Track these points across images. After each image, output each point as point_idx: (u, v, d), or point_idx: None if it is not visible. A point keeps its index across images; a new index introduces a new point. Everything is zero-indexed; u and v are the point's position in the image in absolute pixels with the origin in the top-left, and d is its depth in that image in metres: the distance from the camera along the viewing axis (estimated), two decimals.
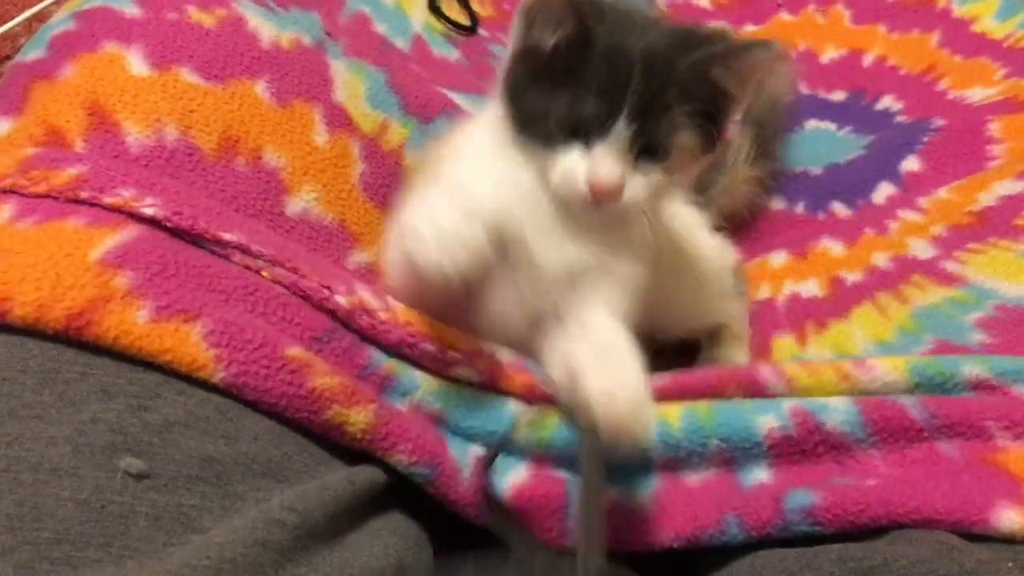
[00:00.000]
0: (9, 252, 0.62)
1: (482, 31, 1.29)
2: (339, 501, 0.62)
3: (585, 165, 0.68)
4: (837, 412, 0.67)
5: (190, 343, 0.62)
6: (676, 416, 0.70)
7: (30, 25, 1.48)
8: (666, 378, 0.74)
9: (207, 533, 0.55)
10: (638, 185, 0.69)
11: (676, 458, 0.69)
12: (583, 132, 0.68)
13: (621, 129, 0.67)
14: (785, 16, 1.43)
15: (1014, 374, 0.68)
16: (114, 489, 0.55)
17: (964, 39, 1.32)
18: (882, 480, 0.63)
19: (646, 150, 0.68)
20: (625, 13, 0.71)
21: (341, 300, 0.69)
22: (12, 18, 1.46)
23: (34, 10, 1.47)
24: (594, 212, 0.70)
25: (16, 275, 0.60)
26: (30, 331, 0.60)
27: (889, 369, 0.69)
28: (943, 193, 1.06)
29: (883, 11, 1.40)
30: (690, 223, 0.95)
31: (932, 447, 0.65)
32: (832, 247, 1.05)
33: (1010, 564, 0.56)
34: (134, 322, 0.61)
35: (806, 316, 0.98)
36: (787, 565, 0.61)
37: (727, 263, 0.98)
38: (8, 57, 1.47)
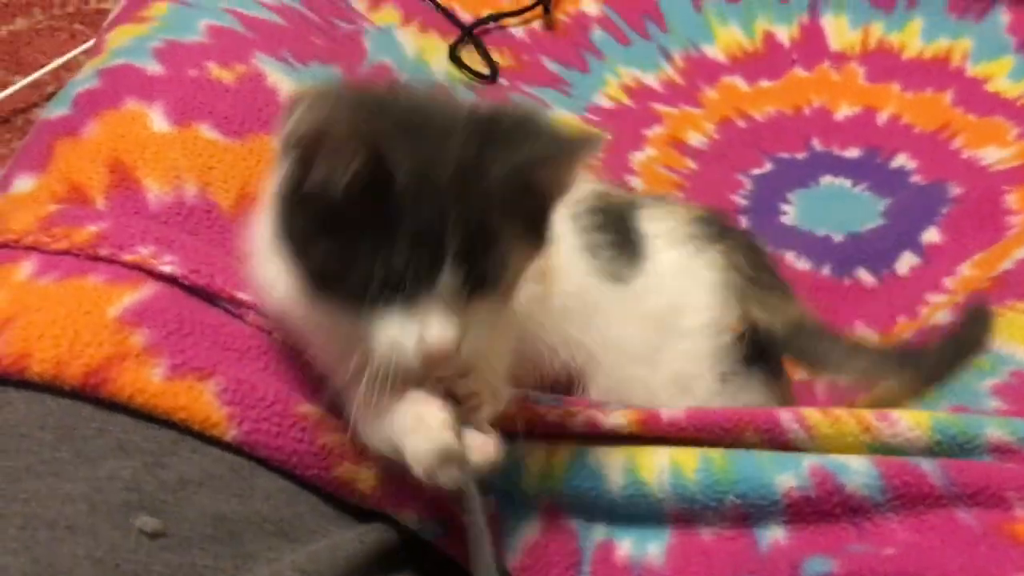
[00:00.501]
0: (29, 308, 0.63)
1: (502, 80, 1.31)
2: (349, 561, 0.63)
3: (412, 330, 0.56)
4: (858, 474, 0.66)
5: (204, 401, 0.63)
6: (691, 466, 0.69)
7: (58, 74, 1.51)
8: (681, 414, 0.71)
9: None
10: (477, 334, 0.58)
11: (691, 511, 0.68)
12: (400, 287, 0.56)
13: (447, 277, 0.55)
14: (800, 72, 1.44)
15: None
16: (129, 548, 0.55)
17: (978, 98, 1.33)
18: (899, 549, 0.63)
19: (477, 285, 0.57)
20: (419, 114, 0.59)
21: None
22: (42, 66, 1.49)
23: (62, 60, 1.51)
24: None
25: (36, 331, 0.61)
26: (48, 387, 0.61)
27: (912, 424, 0.69)
28: (966, 270, 1.06)
29: (898, 69, 1.41)
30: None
31: (951, 514, 0.65)
32: (866, 333, 1.03)
33: None
34: (149, 380, 0.62)
35: None
36: None
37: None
38: (35, 105, 1.50)
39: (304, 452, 0.65)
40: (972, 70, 1.37)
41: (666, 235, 0.83)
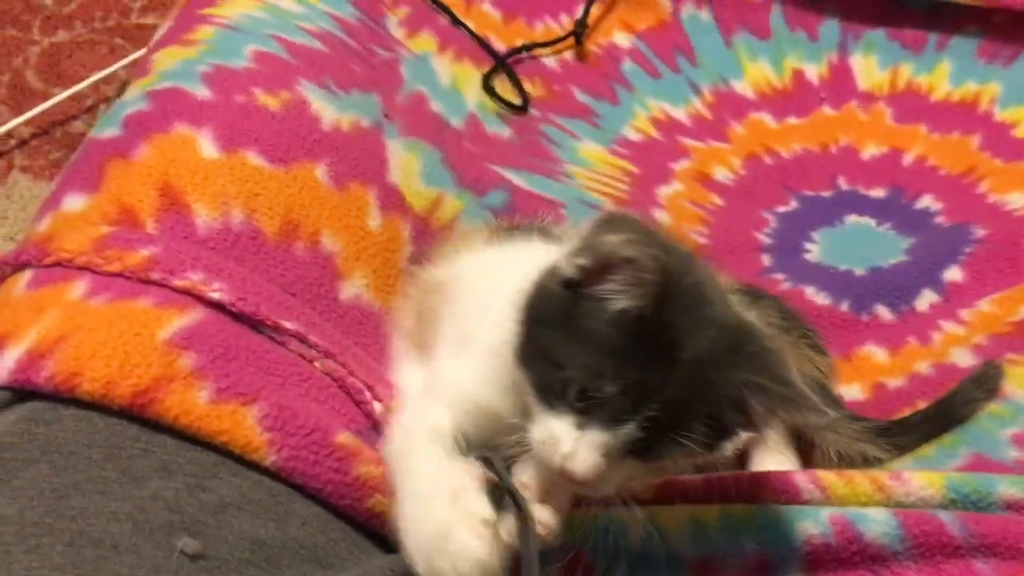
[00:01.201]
0: (81, 328, 0.65)
1: (533, 111, 1.32)
2: None
3: (570, 443, 0.60)
4: (877, 524, 0.67)
5: (246, 426, 0.65)
6: (713, 517, 0.71)
7: (97, 87, 1.54)
8: (698, 480, 0.75)
9: None
10: (614, 477, 0.62)
11: (711, 558, 0.69)
12: (586, 404, 0.60)
13: (630, 430, 0.60)
14: (828, 110, 1.45)
15: None
16: (170, 569, 0.57)
17: (1005, 143, 1.33)
18: None
19: (639, 450, 0.61)
20: (698, 297, 0.62)
21: (377, 407, 0.73)
22: (82, 79, 1.52)
23: (102, 74, 1.54)
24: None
25: (87, 351, 0.63)
26: (96, 406, 0.63)
27: (925, 484, 0.70)
28: (985, 306, 1.07)
29: (924, 112, 1.42)
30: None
31: (968, 564, 0.66)
32: (876, 352, 1.06)
33: None
34: (195, 402, 0.64)
35: None
36: None
37: None
38: (74, 117, 1.53)
39: (339, 482, 0.67)
40: (1000, 115, 1.38)
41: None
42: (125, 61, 1.55)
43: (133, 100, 0.86)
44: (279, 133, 0.85)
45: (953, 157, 1.34)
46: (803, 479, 0.73)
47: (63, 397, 0.63)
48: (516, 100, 1.31)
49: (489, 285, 0.72)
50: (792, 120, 1.45)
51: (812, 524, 0.68)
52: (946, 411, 0.90)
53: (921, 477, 0.71)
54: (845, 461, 0.89)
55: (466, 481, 0.63)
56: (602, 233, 0.61)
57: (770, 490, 0.73)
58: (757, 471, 0.79)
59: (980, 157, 1.33)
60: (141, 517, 0.58)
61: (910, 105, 1.43)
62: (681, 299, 0.61)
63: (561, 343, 0.62)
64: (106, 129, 0.83)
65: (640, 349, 0.60)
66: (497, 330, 0.67)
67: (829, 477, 0.73)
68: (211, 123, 0.82)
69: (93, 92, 1.56)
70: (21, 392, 0.64)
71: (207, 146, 0.80)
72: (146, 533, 0.58)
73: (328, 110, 0.92)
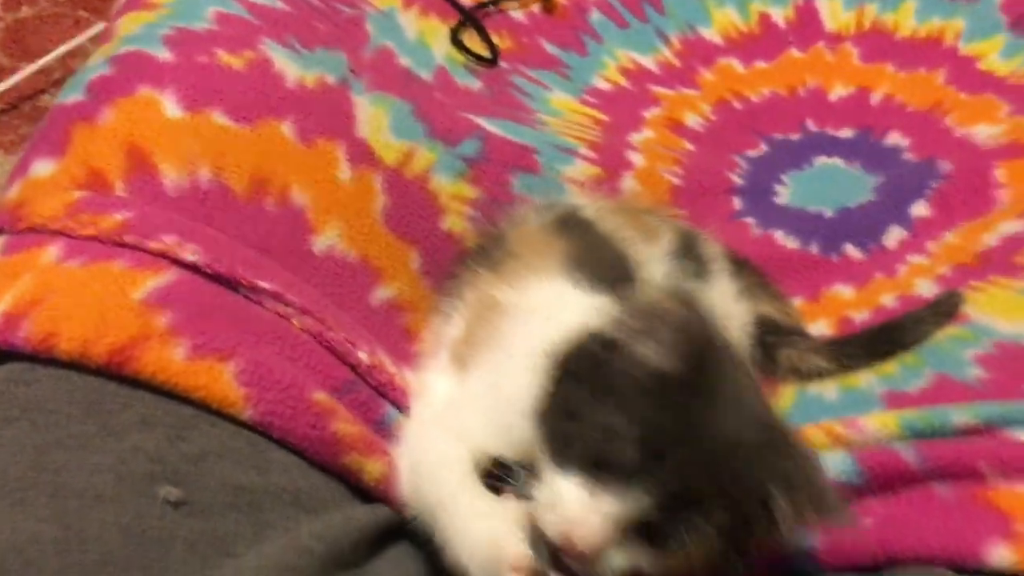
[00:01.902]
0: (57, 290, 0.66)
1: (503, 63, 1.32)
2: (362, 531, 0.66)
3: (577, 508, 0.57)
4: (834, 464, 0.69)
5: (223, 381, 0.66)
6: None
7: (64, 60, 1.54)
8: None
9: (240, 558, 0.59)
10: (616, 560, 0.58)
11: None
12: (596, 466, 0.57)
13: (644, 503, 0.56)
14: (795, 53, 1.46)
15: (1001, 419, 0.71)
16: (154, 515, 0.58)
17: (970, 76, 1.35)
18: (878, 520, 0.66)
19: (652, 533, 0.57)
20: (735, 375, 0.61)
21: (363, 356, 0.74)
22: (47, 53, 1.51)
23: (68, 46, 1.53)
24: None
25: (63, 312, 0.64)
26: (75, 365, 0.64)
27: (880, 427, 0.72)
28: (949, 237, 1.08)
29: (891, 49, 1.43)
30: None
31: (927, 489, 0.68)
32: (843, 291, 1.07)
33: None
34: (171, 359, 0.65)
35: None
36: None
37: None
38: (42, 91, 1.53)
39: (315, 438, 0.68)
40: (965, 49, 1.39)
41: (719, 259, 0.93)
42: (90, 33, 1.55)
43: (96, 66, 0.86)
44: (243, 92, 0.86)
45: (920, 93, 1.36)
46: None
47: (41, 358, 0.64)
48: (485, 53, 1.31)
49: (542, 330, 0.67)
50: (760, 64, 1.46)
51: None
52: (895, 330, 0.92)
53: (876, 421, 0.73)
54: (800, 374, 0.93)
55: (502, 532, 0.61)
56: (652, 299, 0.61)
57: None
58: None
59: (946, 91, 1.34)
60: (123, 468, 0.60)
61: (876, 44, 1.44)
62: (720, 375, 0.59)
63: (585, 400, 0.59)
64: (70, 95, 0.83)
65: (669, 418, 0.57)
66: (525, 381, 0.64)
67: None
68: (174, 84, 0.82)
69: (60, 65, 1.55)
70: None
71: (171, 107, 0.81)
72: (128, 483, 0.59)
73: (292, 68, 0.92)
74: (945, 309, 0.92)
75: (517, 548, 0.59)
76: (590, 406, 0.58)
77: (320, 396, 0.70)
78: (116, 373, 0.64)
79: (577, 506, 0.57)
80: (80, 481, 0.58)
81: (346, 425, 0.70)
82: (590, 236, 0.84)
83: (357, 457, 0.70)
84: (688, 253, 0.88)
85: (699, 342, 0.57)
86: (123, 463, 0.60)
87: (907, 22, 1.45)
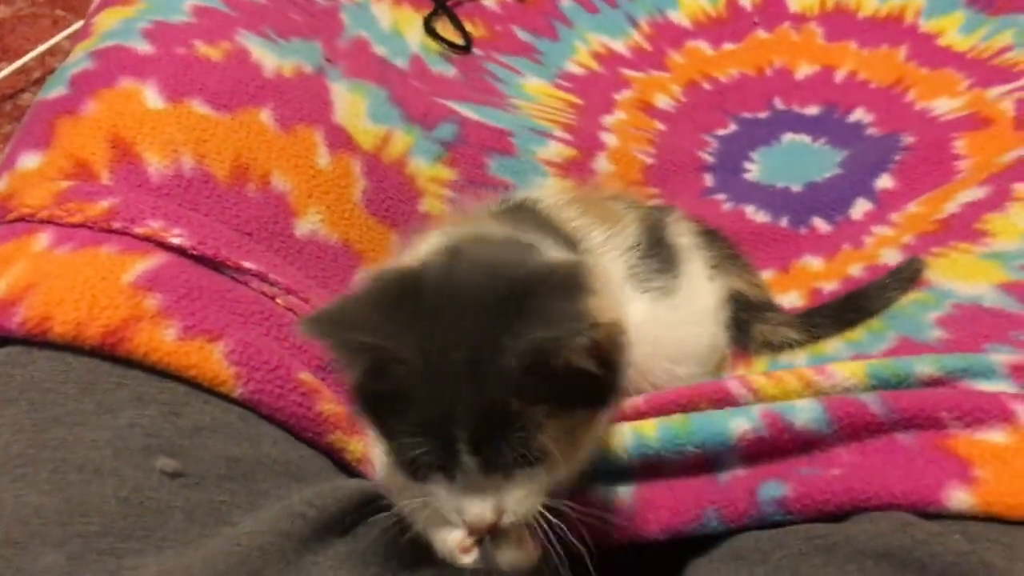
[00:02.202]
0: (49, 276, 0.68)
1: (476, 51, 1.35)
2: (351, 500, 0.68)
3: (452, 502, 0.58)
4: (804, 412, 0.72)
5: (213, 360, 0.68)
6: (652, 428, 0.75)
7: (43, 59, 1.55)
8: (639, 400, 0.79)
9: (236, 526, 0.61)
10: (519, 504, 0.58)
11: (655, 465, 0.74)
12: (426, 465, 0.57)
13: (468, 463, 0.55)
14: (762, 34, 1.49)
15: (962, 370, 0.74)
16: (152, 487, 0.61)
17: (930, 52, 1.39)
18: (845, 469, 0.69)
19: (509, 464, 0.56)
20: (445, 297, 0.57)
21: None
22: (26, 52, 1.53)
23: (46, 45, 1.54)
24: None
25: (56, 296, 0.67)
26: (69, 347, 0.66)
27: (848, 375, 0.75)
28: (913, 207, 1.12)
29: (854, 28, 1.47)
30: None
31: (891, 438, 0.70)
32: (812, 262, 1.11)
33: (958, 536, 0.62)
34: (163, 339, 0.67)
35: None
36: (761, 546, 0.67)
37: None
38: (22, 90, 1.54)
39: (302, 416, 0.71)
40: (925, 26, 1.43)
41: (689, 242, 0.95)
42: (68, 31, 1.56)
43: (77, 61, 0.88)
44: (222, 81, 0.88)
45: (882, 70, 1.39)
46: (735, 385, 0.77)
47: (36, 341, 0.66)
48: (459, 40, 1.33)
49: None
50: (728, 46, 1.50)
51: (745, 421, 0.72)
52: (860, 299, 0.95)
53: (844, 368, 0.76)
54: (773, 347, 0.96)
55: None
56: None
57: (705, 399, 0.77)
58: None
59: (907, 67, 1.38)
60: (120, 443, 0.62)
61: (839, 23, 1.48)
62: (408, 335, 0.55)
63: (383, 434, 0.59)
64: (53, 89, 0.85)
65: (419, 393, 0.55)
66: None
67: (759, 380, 0.77)
68: (155, 75, 0.85)
69: (39, 65, 1.57)
70: None
71: (152, 97, 0.83)
72: (126, 457, 0.62)
73: (269, 57, 0.94)
74: (907, 275, 0.95)
75: (456, 533, 0.61)
76: (385, 431, 0.58)
77: (306, 376, 0.73)
78: (110, 354, 0.66)
79: (450, 508, 0.58)
80: (79, 456, 0.61)
81: (331, 405, 0.73)
82: (532, 219, 0.82)
83: (341, 436, 0.73)
84: (654, 240, 0.90)
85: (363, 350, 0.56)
86: (120, 438, 0.62)
87: (869, 1, 1.49)
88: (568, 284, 0.57)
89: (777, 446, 0.72)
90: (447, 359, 0.54)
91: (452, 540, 0.61)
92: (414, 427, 0.55)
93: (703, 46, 1.48)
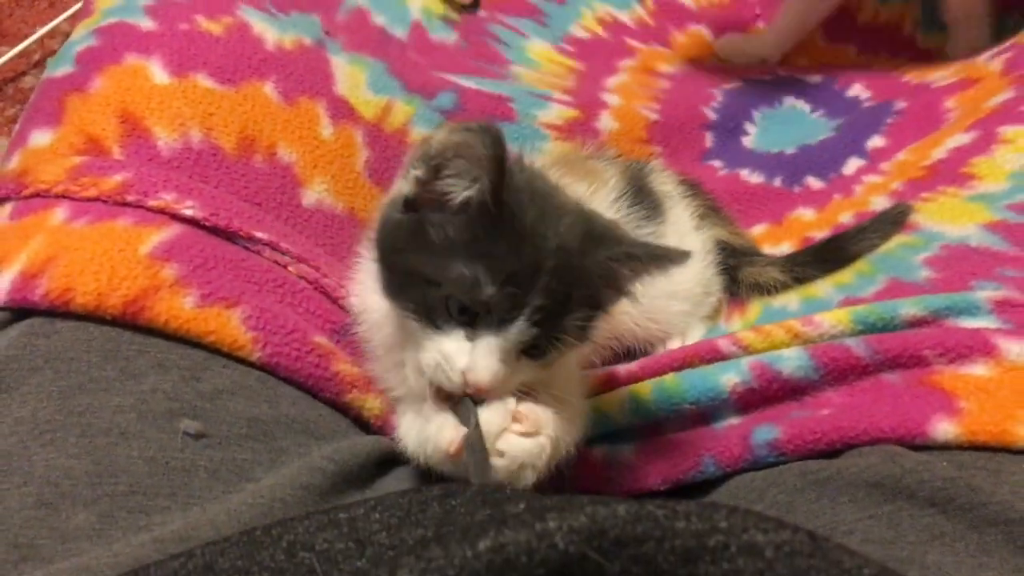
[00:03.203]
0: (68, 249, 0.70)
1: (481, 12, 1.35)
2: (369, 455, 0.71)
3: (466, 356, 0.61)
4: (791, 360, 0.75)
5: (232, 326, 0.71)
6: (647, 391, 0.79)
7: (43, 42, 1.56)
8: (633, 366, 0.83)
9: (259, 482, 0.64)
10: (511, 380, 0.63)
11: (652, 424, 0.77)
12: (471, 314, 0.61)
13: (520, 327, 0.60)
14: (762, 27, 1.49)
15: (946, 310, 0.76)
16: (176, 448, 0.64)
17: (927, 59, 1.38)
18: (834, 409, 0.72)
19: (534, 345, 0.62)
20: (540, 188, 0.65)
21: (355, 300, 0.78)
22: (26, 36, 1.53)
23: (46, 28, 1.55)
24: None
25: (76, 268, 0.69)
26: (91, 317, 0.68)
27: (834, 322, 0.78)
28: (902, 155, 1.14)
29: (854, 32, 1.47)
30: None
31: (878, 379, 0.73)
32: (804, 213, 1.13)
33: (945, 464, 0.65)
34: (182, 307, 0.70)
35: None
36: (756, 485, 0.70)
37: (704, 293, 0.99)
38: (24, 73, 1.55)
39: (319, 376, 0.74)
40: (923, 42, 1.43)
41: (672, 190, 0.99)
42: (67, 14, 1.57)
43: (81, 38, 0.89)
44: (225, 55, 0.89)
45: (880, 65, 1.40)
46: (724, 343, 0.81)
47: (58, 312, 0.68)
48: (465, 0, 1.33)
49: None
50: (731, 35, 1.50)
51: (735, 374, 0.76)
52: (840, 241, 0.99)
53: (830, 316, 0.79)
54: (760, 288, 1.00)
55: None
56: (424, 144, 0.62)
57: (696, 358, 0.81)
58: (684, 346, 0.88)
59: (906, 65, 1.38)
60: (143, 407, 0.65)
61: (839, 25, 1.46)
62: (522, 184, 0.62)
63: (426, 264, 0.61)
64: (60, 68, 0.86)
65: (503, 245, 0.60)
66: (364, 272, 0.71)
67: (748, 335, 0.80)
68: (159, 51, 0.86)
69: (39, 47, 1.58)
70: (18, 311, 0.69)
71: (158, 73, 0.85)
72: (150, 420, 0.64)
73: (270, 31, 0.96)
74: (889, 219, 0.98)
75: (448, 431, 0.64)
76: (431, 268, 0.61)
77: (321, 339, 0.75)
78: (131, 323, 0.68)
79: (464, 356, 0.61)
80: (105, 420, 0.64)
81: (346, 366, 0.76)
82: None
83: (358, 395, 0.76)
84: (637, 190, 0.93)
85: (489, 149, 0.58)
86: (144, 402, 0.65)
87: (870, 4, 1.48)
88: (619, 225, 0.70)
89: (768, 395, 0.76)
90: (543, 239, 0.60)
91: (444, 440, 0.64)
92: (491, 274, 0.58)
93: (704, 32, 1.49)
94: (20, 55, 1.55)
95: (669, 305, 0.92)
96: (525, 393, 0.65)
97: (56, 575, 0.54)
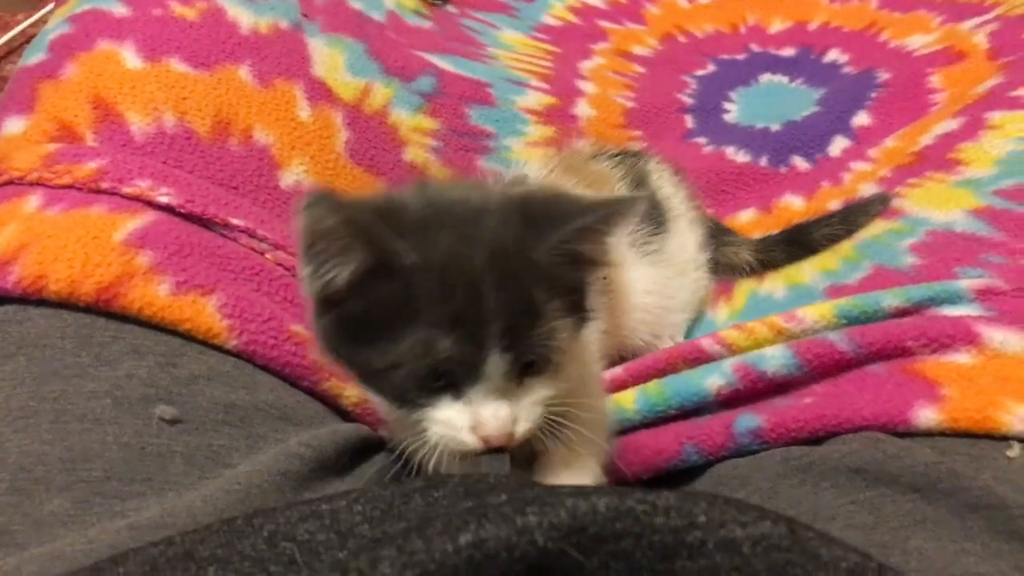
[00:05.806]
0: (41, 236, 0.69)
1: (451, 8, 1.35)
2: (347, 442, 0.71)
3: (466, 417, 0.55)
4: (774, 359, 0.75)
5: (207, 314, 0.70)
6: (631, 399, 0.78)
7: (25, 32, 1.55)
8: (619, 370, 0.83)
9: (235, 467, 0.63)
10: (530, 412, 0.57)
11: (635, 431, 0.77)
12: (445, 376, 0.55)
13: (496, 362, 0.54)
14: None
15: (928, 300, 0.76)
16: (151, 433, 0.63)
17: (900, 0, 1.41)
18: (817, 398, 0.72)
19: (528, 366, 0.56)
20: (444, 205, 0.57)
21: None
22: (9, 27, 1.52)
23: (31, 20, 1.53)
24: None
25: (49, 255, 0.68)
26: (64, 304, 0.67)
27: (817, 317, 0.78)
28: (890, 142, 1.14)
29: None
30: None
31: (863, 371, 0.73)
32: (793, 201, 1.13)
33: (927, 449, 0.65)
34: (156, 295, 0.69)
35: None
36: (740, 471, 0.70)
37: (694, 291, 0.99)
38: (2, 58, 1.54)
39: (297, 364, 0.73)
40: None
41: (670, 190, 0.99)
42: (51, 6, 1.55)
43: (55, 26, 0.88)
44: (198, 40, 0.89)
45: (854, 18, 1.42)
46: (708, 342, 0.81)
47: (31, 299, 0.67)
48: None
49: None
50: (703, 1, 1.52)
51: (718, 377, 0.75)
52: (805, 230, 1.01)
53: (813, 311, 0.78)
54: (733, 269, 1.03)
55: None
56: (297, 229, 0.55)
57: (680, 360, 0.80)
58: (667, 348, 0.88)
59: (879, 15, 1.40)
60: (119, 393, 0.64)
61: None
62: (415, 215, 0.56)
63: (374, 355, 0.55)
64: (33, 56, 0.86)
65: (429, 290, 0.53)
66: None
67: (731, 334, 0.80)
68: (132, 37, 0.85)
69: (22, 37, 1.56)
70: None
71: (131, 58, 0.84)
72: (125, 406, 0.63)
73: (245, 15, 0.95)
74: (861, 210, 0.99)
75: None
76: (383, 351, 0.55)
77: (298, 328, 0.74)
78: (104, 310, 0.68)
79: (466, 416, 0.56)
80: (79, 406, 0.63)
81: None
82: None
83: (336, 383, 0.75)
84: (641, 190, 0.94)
85: (351, 228, 0.53)
86: (118, 388, 0.64)
87: None
88: (564, 194, 0.63)
89: (753, 395, 0.75)
90: (468, 259, 0.53)
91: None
92: (434, 329, 0.53)
93: (679, 0, 1.49)
94: (3, 46, 1.54)
95: (667, 316, 0.94)
96: (556, 413, 0.59)
97: (30, 561, 0.53)
